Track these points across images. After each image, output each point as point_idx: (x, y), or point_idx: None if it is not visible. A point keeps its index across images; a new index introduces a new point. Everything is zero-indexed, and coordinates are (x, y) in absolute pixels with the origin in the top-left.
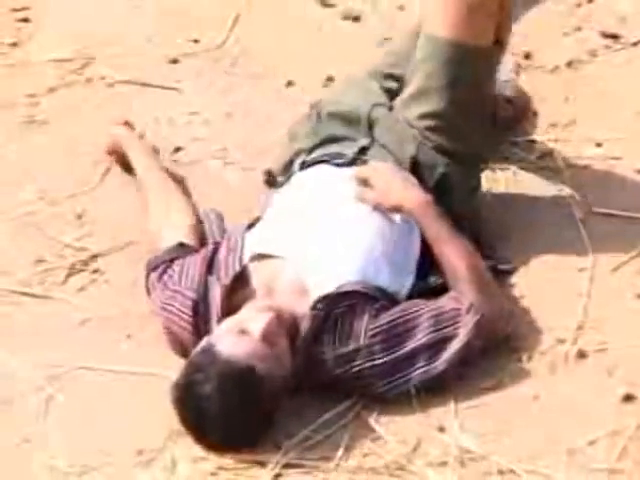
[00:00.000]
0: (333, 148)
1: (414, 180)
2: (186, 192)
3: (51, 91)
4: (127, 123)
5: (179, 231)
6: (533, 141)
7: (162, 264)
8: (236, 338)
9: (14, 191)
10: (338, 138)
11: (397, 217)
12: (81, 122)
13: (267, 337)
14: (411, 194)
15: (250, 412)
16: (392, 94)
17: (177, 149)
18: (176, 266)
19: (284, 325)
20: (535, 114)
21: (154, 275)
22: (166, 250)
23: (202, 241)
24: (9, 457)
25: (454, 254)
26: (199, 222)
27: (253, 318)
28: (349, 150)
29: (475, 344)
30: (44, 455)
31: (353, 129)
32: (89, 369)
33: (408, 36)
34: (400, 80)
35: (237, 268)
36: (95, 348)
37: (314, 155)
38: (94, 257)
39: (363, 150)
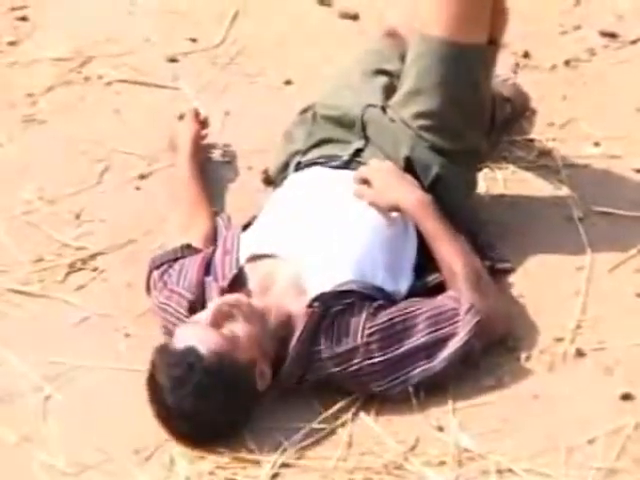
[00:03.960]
0: (328, 150)
1: (414, 180)
2: (210, 199)
3: (49, 90)
4: (197, 115)
5: (194, 236)
6: (531, 140)
7: (165, 263)
8: (188, 329)
9: (13, 190)
10: (333, 140)
11: (394, 217)
12: (79, 121)
13: (215, 321)
14: (410, 193)
15: (200, 392)
16: (387, 90)
17: (175, 147)
18: (177, 266)
19: (246, 314)
20: (533, 113)
21: (156, 273)
22: (172, 250)
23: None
24: (8, 456)
25: (452, 253)
26: (215, 230)
27: (207, 309)
28: (344, 152)
29: (474, 344)
30: (43, 454)
31: (347, 131)
32: (87, 368)
33: (384, 36)
34: (392, 75)
35: (234, 270)
36: (94, 347)
37: (309, 156)
38: (93, 256)
39: (358, 152)
